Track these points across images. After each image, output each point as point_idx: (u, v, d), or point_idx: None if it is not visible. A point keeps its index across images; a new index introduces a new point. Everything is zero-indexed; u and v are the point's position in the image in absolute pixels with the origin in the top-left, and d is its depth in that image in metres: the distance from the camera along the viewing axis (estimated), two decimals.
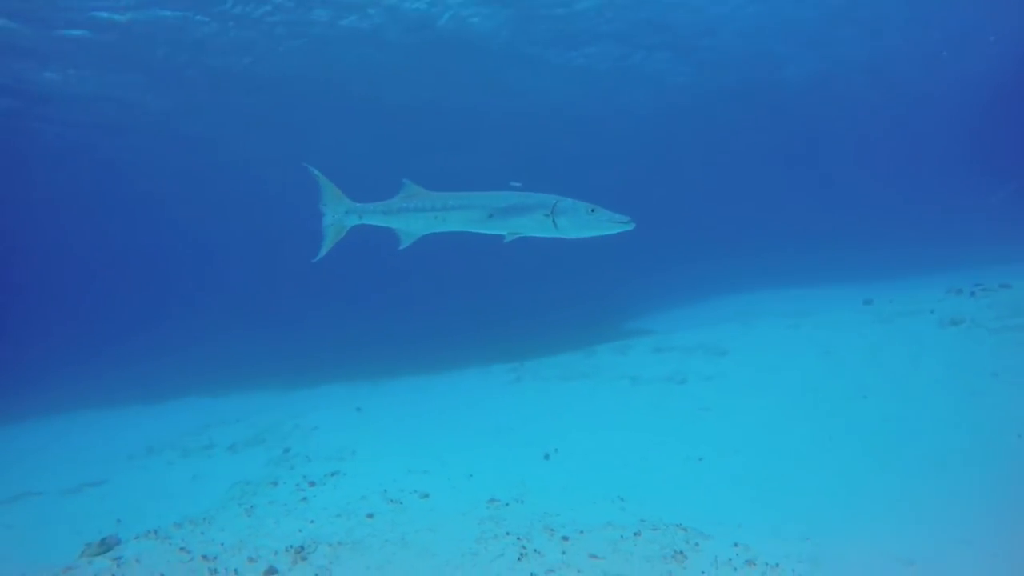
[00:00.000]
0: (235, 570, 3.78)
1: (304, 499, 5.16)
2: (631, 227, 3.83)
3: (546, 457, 6.11)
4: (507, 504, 4.58)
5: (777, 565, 3.43)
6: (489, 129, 25.74)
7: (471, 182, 4.56)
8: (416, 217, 4.26)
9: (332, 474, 5.87)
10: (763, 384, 7.72)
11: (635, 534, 3.79)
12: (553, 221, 3.88)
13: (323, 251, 4.49)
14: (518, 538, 3.82)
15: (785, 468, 5.11)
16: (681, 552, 3.56)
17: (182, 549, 4.25)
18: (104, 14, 14.71)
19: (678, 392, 8.23)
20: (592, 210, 3.85)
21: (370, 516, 4.49)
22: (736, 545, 3.67)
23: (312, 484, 5.58)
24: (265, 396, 14.21)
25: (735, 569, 3.38)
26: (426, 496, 4.95)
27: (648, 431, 6.72)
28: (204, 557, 4.02)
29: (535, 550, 3.62)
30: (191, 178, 26.79)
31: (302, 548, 3.90)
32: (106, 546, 4.72)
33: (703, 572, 3.34)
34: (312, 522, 4.51)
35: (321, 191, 4.44)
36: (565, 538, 3.76)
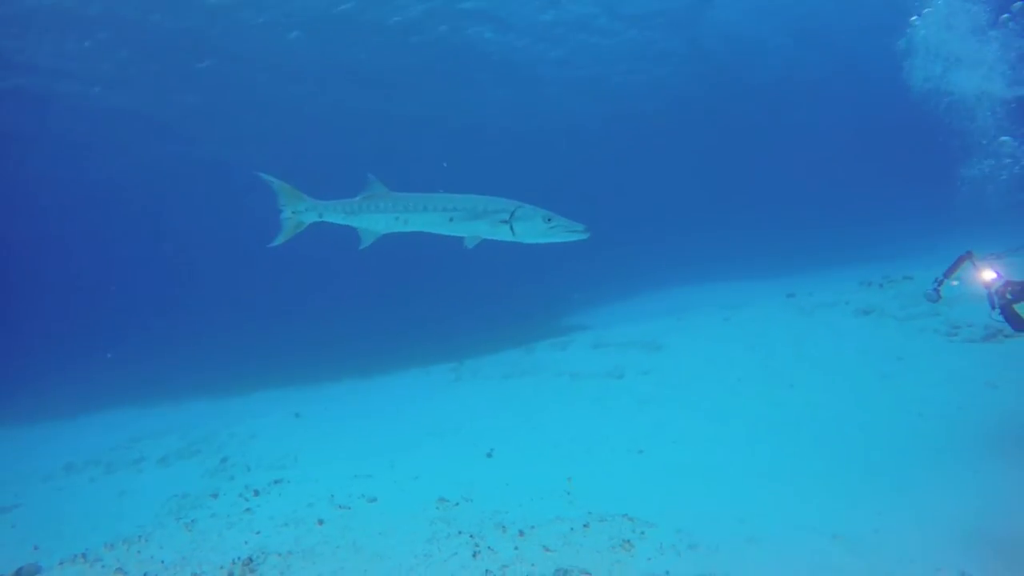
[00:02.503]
0: None
1: (248, 510, 5.02)
2: (586, 236, 3.99)
3: (489, 455, 6.18)
4: (456, 504, 4.63)
5: (717, 547, 3.65)
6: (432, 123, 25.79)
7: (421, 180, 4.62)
8: (377, 218, 4.31)
9: (276, 482, 5.74)
10: (697, 376, 8.08)
11: (584, 526, 3.93)
12: (511, 227, 4.00)
13: (278, 241, 4.52)
14: (471, 536, 3.88)
15: (721, 456, 5.39)
16: (628, 541, 3.72)
17: (118, 570, 4.06)
18: None
19: (617, 387, 8.49)
20: (549, 219, 4.00)
21: (320, 523, 4.43)
22: (679, 531, 3.87)
23: (256, 493, 5.43)
24: (197, 405, 13.64)
25: (679, 554, 3.57)
26: (374, 500, 4.93)
27: (590, 426, 6.90)
28: None
29: (488, 547, 3.69)
30: (149, 170, 25.20)
31: (250, 560, 3.82)
32: None
33: (649, 559, 3.51)
34: (258, 533, 4.41)
35: (277, 194, 4.46)
36: (520, 532, 3.85)
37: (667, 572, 3.27)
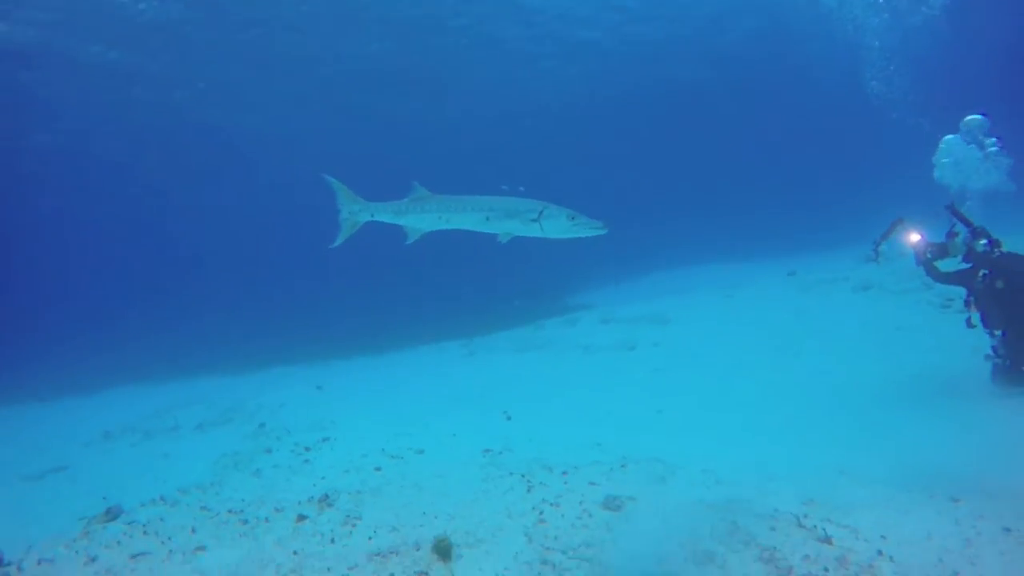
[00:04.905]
0: (265, 519, 4.11)
1: (306, 461, 5.47)
2: (605, 231, 4.48)
3: (508, 419, 6.57)
4: (500, 453, 5.10)
5: (740, 483, 4.13)
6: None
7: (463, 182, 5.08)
8: (423, 217, 4.81)
9: (323, 440, 6.19)
10: (706, 347, 8.58)
11: (621, 466, 4.41)
12: (540, 225, 4.49)
13: (339, 240, 5.02)
14: (522, 476, 4.35)
15: (734, 415, 5.87)
16: (662, 477, 4.21)
17: (203, 508, 4.50)
18: None
19: (630, 357, 8.98)
20: (573, 217, 4.51)
21: (378, 469, 4.89)
22: (705, 471, 4.35)
23: (307, 449, 5.88)
24: (210, 381, 13.99)
25: (708, 487, 4.06)
26: (422, 452, 5.39)
27: (608, 391, 7.38)
28: (230, 512, 4.31)
29: (540, 483, 4.17)
30: (141, 146, 25.27)
31: (326, 497, 4.27)
32: (111, 515, 4.83)
33: (684, 490, 4.00)
34: (324, 478, 4.86)
35: (336, 194, 4.96)
36: (564, 472, 4.33)
37: (701, 499, 3.75)
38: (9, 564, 3.77)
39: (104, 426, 9.86)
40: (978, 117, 6.77)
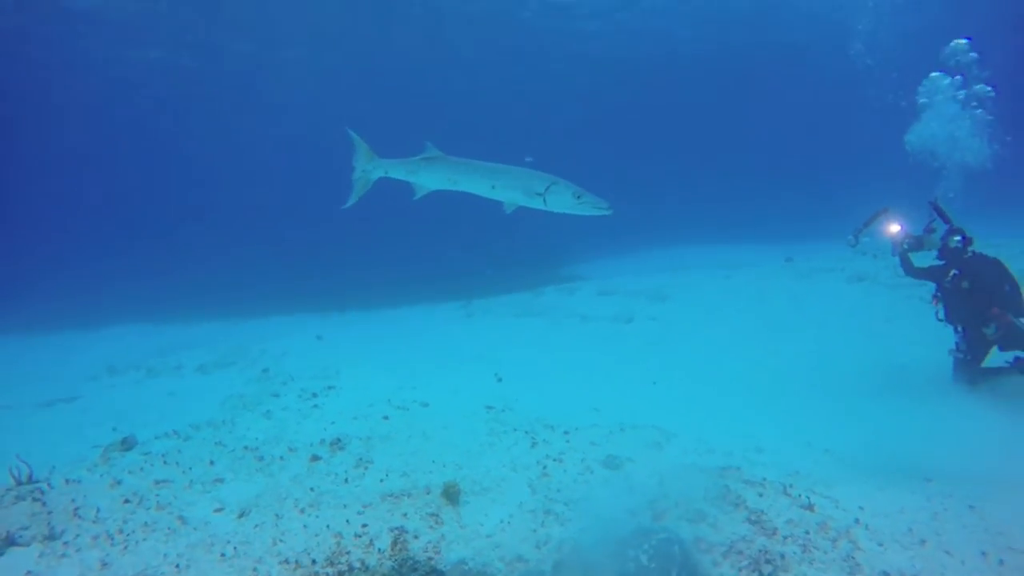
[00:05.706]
0: (280, 457, 4.33)
1: (315, 406, 5.69)
2: (609, 213, 4.57)
3: (499, 380, 6.78)
4: (503, 410, 5.32)
5: (731, 452, 4.39)
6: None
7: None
8: (432, 178, 4.89)
9: (329, 388, 6.40)
10: (702, 325, 8.81)
11: (620, 430, 4.66)
12: (544, 199, 4.58)
13: (351, 201, 5.04)
14: (526, 432, 4.58)
15: (726, 390, 6.12)
16: (658, 443, 4.46)
17: (218, 443, 4.72)
18: None
19: (627, 330, 9.22)
20: (579, 195, 4.58)
21: (386, 418, 5.11)
22: (699, 440, 4.61)
23: (315, 395, 6.09)
24: (212, 325, 14.13)
25: (700, 454, 4.32)
26: (427, 405, 5.61)
27: (605, 360, 7.62)
28: (245, 448, 4.53)
29: (544, 440, 4.40)
30: (142, 89, 24.92)
31: (337, 440, 4.49)
32: (127, 445, 5.05)
33: (678, 456, 4.25)
34: (333, 423, 5.08)
35: (355, 151, 4.98)
36: (566, 432, 4.57)
37: (695, 464, 4.00)
38: (39, 481, 3.98)
39: (107, 362, 10.06)
40: (964, 42, 6.23)
